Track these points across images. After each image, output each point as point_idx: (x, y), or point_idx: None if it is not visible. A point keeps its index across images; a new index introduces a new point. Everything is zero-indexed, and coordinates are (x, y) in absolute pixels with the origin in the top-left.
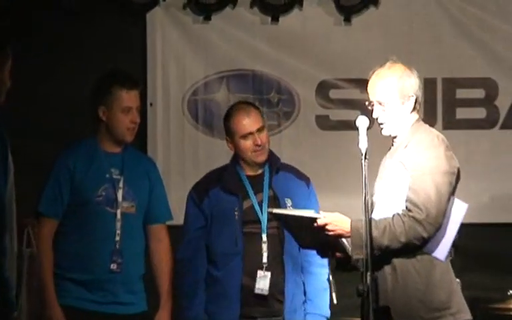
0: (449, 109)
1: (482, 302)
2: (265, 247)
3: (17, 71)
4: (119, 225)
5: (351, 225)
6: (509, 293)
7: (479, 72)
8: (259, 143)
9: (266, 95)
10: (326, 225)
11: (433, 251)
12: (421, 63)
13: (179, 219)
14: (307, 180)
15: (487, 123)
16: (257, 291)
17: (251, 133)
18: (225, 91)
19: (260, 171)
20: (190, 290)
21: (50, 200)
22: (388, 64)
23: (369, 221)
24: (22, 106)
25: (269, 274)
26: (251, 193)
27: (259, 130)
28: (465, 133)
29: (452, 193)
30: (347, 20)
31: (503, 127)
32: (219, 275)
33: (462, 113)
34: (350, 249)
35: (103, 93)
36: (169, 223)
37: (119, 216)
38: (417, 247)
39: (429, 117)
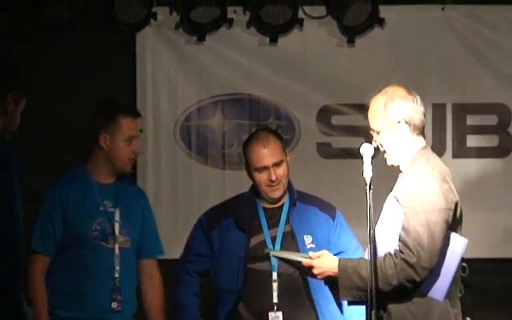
0: (459, 136)
1: None
2: (275, 285)
3: None
4: (117, 260)
5: (339, 265)
6: None
7: (491, 97)
8: (273, 178)
9: (263, 121)
10: (312, 267)
11: (428, 292)
12: (429, 87)
13: (170, 253)
14: (331, 212)
15: (500, 151)
16: None
17: (266, 167)
18: (220, 116)
19: (279, 204)
20: (179, 305)
21: (41, 236)
22: (383, 90)
23: (374, 255)
24: None
25: (280, 314)
26: (264, 227)
27: (276, 164)
28: (476, 161)
29: (450, 228)
30: (351, 41)
31: None
32: (222, 311)
33: (473, 141)
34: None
35: (107, 120)
36: (161, 257)
37: (117, 251)
38: (411, 289)
39: (438, 145)
